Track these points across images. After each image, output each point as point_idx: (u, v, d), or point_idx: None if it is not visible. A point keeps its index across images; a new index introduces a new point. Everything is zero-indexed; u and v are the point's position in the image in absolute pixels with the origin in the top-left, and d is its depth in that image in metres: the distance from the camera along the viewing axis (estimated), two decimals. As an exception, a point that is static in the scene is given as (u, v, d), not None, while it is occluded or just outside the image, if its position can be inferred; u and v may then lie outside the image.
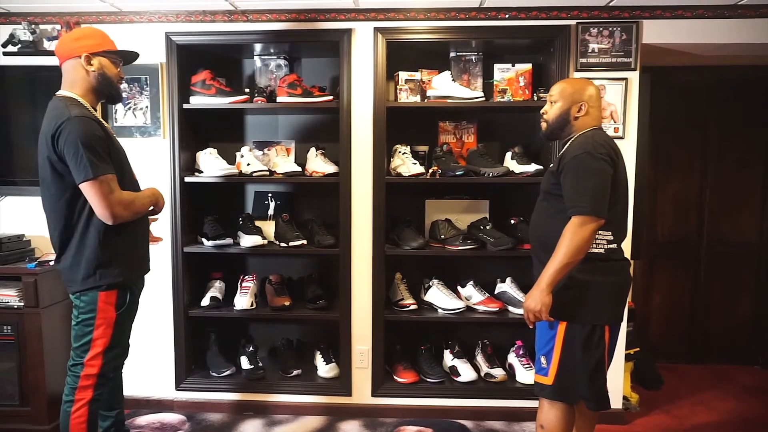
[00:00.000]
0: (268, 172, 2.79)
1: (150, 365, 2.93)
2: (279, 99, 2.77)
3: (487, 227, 2.83)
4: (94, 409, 1.99)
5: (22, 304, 2.60)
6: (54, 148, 1.81)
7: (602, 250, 1.92)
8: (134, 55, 2.12)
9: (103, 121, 1.98)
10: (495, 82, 2.85)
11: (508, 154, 2.82)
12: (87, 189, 1.81)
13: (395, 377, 2.92)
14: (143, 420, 2.84)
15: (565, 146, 2.00)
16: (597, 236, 1.88)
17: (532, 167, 2.69)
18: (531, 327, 2.00)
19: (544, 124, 2.08)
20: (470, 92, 2.74)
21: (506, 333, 2.99)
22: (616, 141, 2.02)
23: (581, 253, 1.83)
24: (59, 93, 1.94)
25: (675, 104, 3.54)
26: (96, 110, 2.00)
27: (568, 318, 1.93)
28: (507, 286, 2.88)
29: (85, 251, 1.91)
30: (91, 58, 1.92)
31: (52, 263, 2.71)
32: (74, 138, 1.77)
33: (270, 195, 3.08)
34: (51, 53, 2.77)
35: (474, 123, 2.99)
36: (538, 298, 1.87)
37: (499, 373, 2.86)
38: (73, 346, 2.00)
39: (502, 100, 2.82)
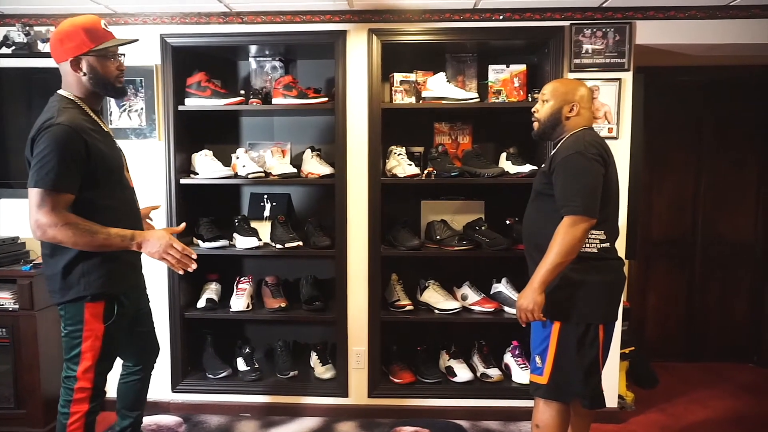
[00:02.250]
0: (263, 174, 2.79)
1: (146, 367, 2.92)
2: (274, 101, 2.77)
3: (483, 228, 2.84)
4: (91, 421, 1.91)
5: (17, 306, 2.60)
6: (31, 151, 1.73)
7: (595, 249, 1.93)
8: (131, 42, 1.92)
9: (102, 124, 1.90)
10: (490, 83, 2.86)
11: (503, 155, 2.83)
12: (30, 194, 1.69)
13: (392, 378, 2.92)
14: (139, 422, 2.83)
15: (557, 146, 2.01)
16: (590, 235, 1.89)
17: (527, 168, 2.70)
18: (524, 326, 2.01)
19: (536, 124, 2.09)
20: (465, 93, 2.75)
21: (502, 333, 3.00)
22: (610, 141, 2.04)
23: (573, 253, 1.84)
24: (59, 92, 1.86)
25: (669, 104, 3.55)
26: (96, 110, 1.91)
27: (562, 317, 1.94)
28: (503, 287, 2.89)
29: (66, 258, 1.80)
30: (79, 61, 1.80)
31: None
32: (46, 145, 1.68)
33: (266, 196, 3.08)
34: (45, 55, 2.77)
35: (469, 124, 3.00)
36: (530, 298, 1.88)
37: (495, 373, 2.86)
38: (64, 357, 1.90)
39: (496, 101, 2.83)
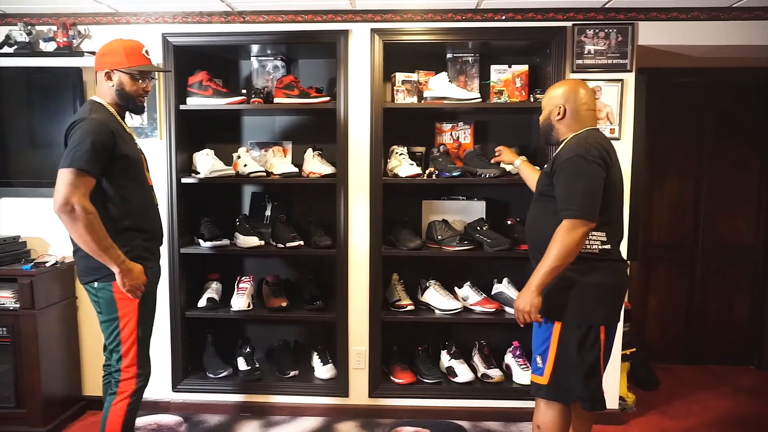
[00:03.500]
0: (264, 173, 2.79)
1: (146, 367, 2.92)
2: (276, 100, 2.77)
3: (484, 228, 2.83)
4: (135, 404, 2.05)
5: (18, 305, 2.60)
6: (66, 142, 1.91)
7: (596, 251, 1.92)
8: (163, 71, 2.22)
9: (126, 127, 2.07)
10: (491, 84, 2.86)
11: (505, 155, 2.82)
12: (59, 174, 1.85)
13: (392, 378, 2.92)
14: (140, 421, 2.82)
15: (559, 147, 2.00)
16: (591, 237, 1.89)
17: (529, 168, 2.70)
18: (522, 326, 2.01)
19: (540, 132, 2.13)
20: (467, 93, 2.75)
21: (503, 333, 3.00)
22: (612, 142, 2.02)
23: (571, 257, 1.84)
24: (92, 97, 2.06)
25: (671, 106, 3.55)
26: (122, 115, 2.08)
27: (564, 318, 1.93)
28: (504, 287, 2.89)
29: None
30: (111, 74, 2.01)
31: (48, 265, 2.71)
32: (80, 134, 1.86)
33: (267, 196, 3.08)
34: (47, 54, 2.77)
35: (470, 124, 3.00)
36: (527, 299, 1.89)
37: (496, 373, 2.86)
38: (105, 343, 2.05)
39: (498, 101, 2.83)
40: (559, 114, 1.99)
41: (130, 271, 1.94)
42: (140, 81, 2.05)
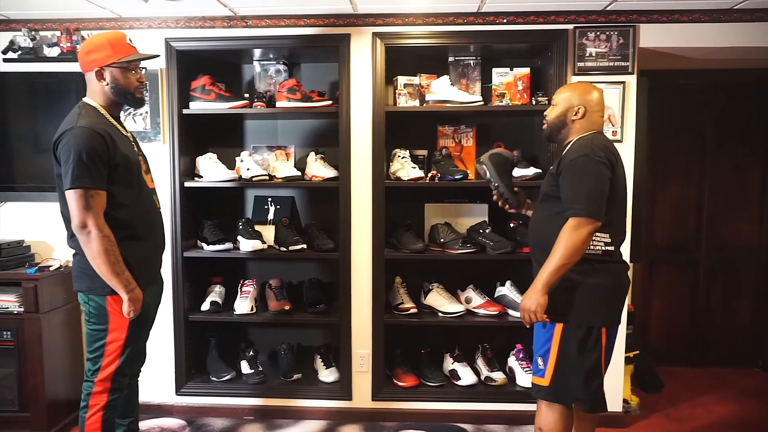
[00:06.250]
0: (267, 177, 2.80)
1: (150, 370, 2.90)
2: (278, 104, 2.78)
3: (487, 231, 2.83)
4: (109, 416, 1.98)
5: (22, 309, 2.61)
6: (54, 153, 1.87)
7: (599, 252, 1.93)
8: (152, 57, 2.09)
9: (121, 128, 2.00)
10: (493, 87, 2.86)
11: (507, 158, 2.82)
12: (68, 196, 1.83)
13: (395, 381, 2.92)
14: (143, 425, 2.82)
15: (565, 149, 2.01)
16: (594, 238, 1.90)
17: (531, 171, 2.70)
18: (528, 327, 2.01)
19: (545, 125, 2.12)
20: (469, 96, 2.76)
21: (506, 336, 2.99)
22: (614, 144, 2.03)
23: (577, 255, 1.85)
24: (84, 99, 1.98)
25: (673, 107, 3.55)
26: (116, 116, 2.02)
27: (565, 319, 1.94)
28: (507, 290, 2.89)
29: None
30: (103, 72, 1.92)
31: (52, 269, 2.72)
32: (70, 147, 1.80)
33: (270, 199, 3.09)
34: (51, 59, 2.79)
35: (473, 127, 3.00)
36: (534, 299, 1.89)
37: (499, 376, 2.86)
38: (86, 350, 2.00)
39: (500, 104, 2.83)
40: (577, 114, 2.00)
41: (138, 300, 1.91)
42: (133, 72, 1.96)
